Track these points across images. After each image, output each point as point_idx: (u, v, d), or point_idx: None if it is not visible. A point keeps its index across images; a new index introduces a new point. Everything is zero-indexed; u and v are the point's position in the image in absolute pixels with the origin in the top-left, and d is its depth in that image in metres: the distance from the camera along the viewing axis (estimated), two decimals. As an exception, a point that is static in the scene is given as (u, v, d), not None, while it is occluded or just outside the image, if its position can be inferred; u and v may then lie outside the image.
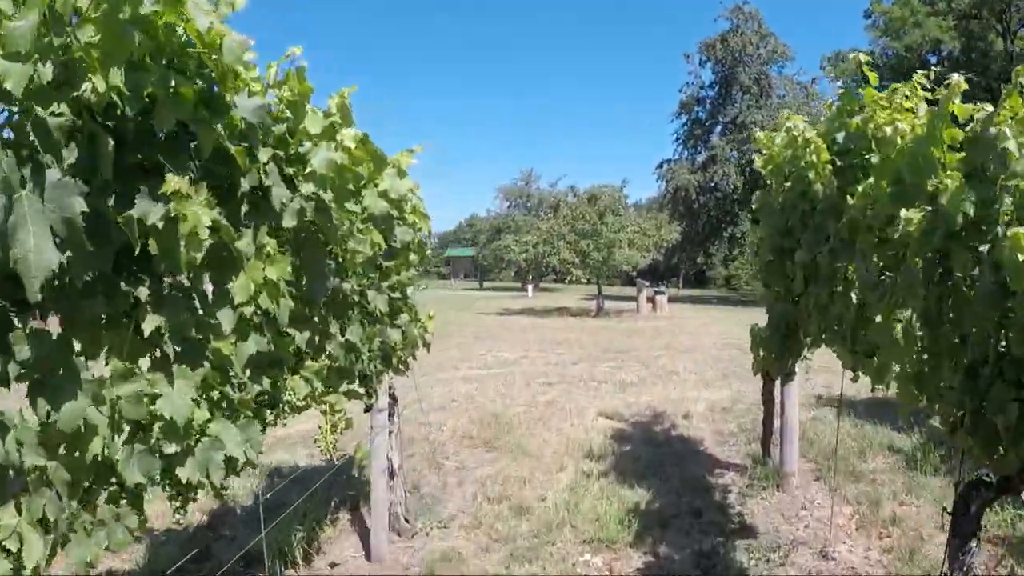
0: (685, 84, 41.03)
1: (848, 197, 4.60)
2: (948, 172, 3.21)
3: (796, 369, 6.22)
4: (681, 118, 41.66)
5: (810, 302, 5.16)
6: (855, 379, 4.65)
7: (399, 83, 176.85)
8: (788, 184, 5.36)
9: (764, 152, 5.81)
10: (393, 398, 5.73)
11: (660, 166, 41.40)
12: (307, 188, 3.00)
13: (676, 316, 27.43)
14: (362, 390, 4.51)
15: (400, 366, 5.40)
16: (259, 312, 2.97)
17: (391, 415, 5.64)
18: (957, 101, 3.41)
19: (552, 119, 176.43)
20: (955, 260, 3.11)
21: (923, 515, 5.96)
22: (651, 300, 28.84)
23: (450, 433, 8.68)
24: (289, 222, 2.95)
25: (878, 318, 4.04)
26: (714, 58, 38.92)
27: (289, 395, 3.50)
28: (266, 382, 3.26)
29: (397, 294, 4.82)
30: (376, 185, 3.94)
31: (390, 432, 5.58)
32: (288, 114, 3.04)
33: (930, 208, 3.33)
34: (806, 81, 40.06)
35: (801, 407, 7.76)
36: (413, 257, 4.98)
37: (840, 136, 4.71)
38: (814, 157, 4.70)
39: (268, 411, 3.38)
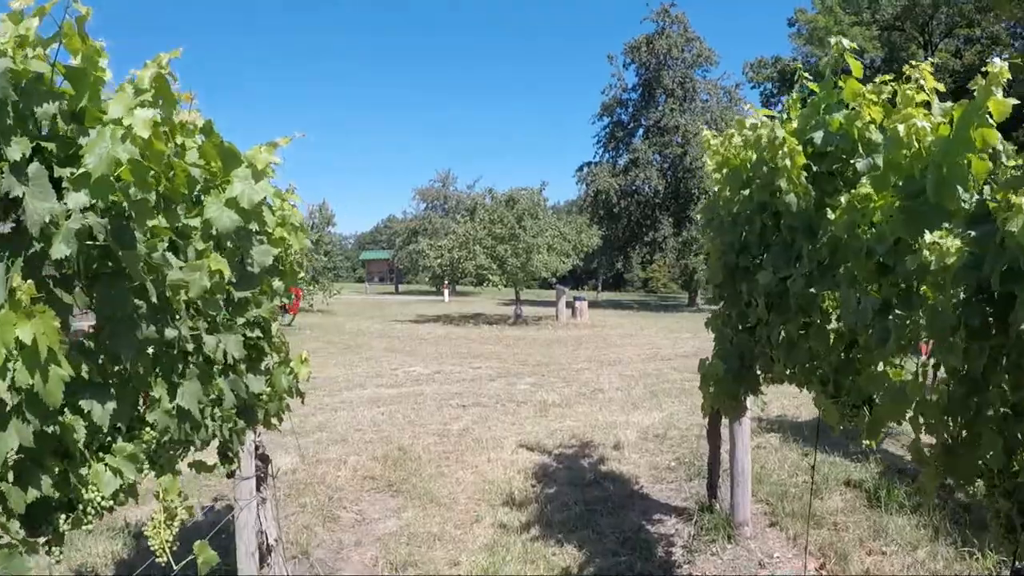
0: (608, 86, 40.38)
1: (827, 211, 3.74)
2: (1004, 190, 2.31)
3: (748, 405, 5.35)
4: (603, 120, 41.02)
5: (773, 333, 4.27)
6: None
7: (310, 71, 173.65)
8: (746, 192, 4.47)
9: (714, 155, 4.92)
10: (263, 459, 4.62)
11: (580, 169, 40.66)
12: (76, 199, 1.99)
13: (597, 323, 26.66)
14: (212, 461, 3.46)
15: (272, 420, 4.29)
16: (16, 389, 1.95)
17: (261, 481, 4.53)
18: (999, 94, 2.54)
19: (470, 119, 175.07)
20: (1022, 308, 2.20)
21: (895, 565, 5.15)
22: (571, 306, 28.04)
23: (350, 473, 7.59)
24: (61, 250, 1.94)
25: (880, 365, 3.15)
26: (638, 60, 38.30)
27: (92, 491, 2.44)
28: (46, 483, 2.23)
29: (257, 332, 3.72)
30: (222, 191, 2.92)
31: (263, 500, 4.49)
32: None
33: (973, 233, 2.44)
34: (730, 86, 39.79)
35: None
36: (279, 284, 3.96)
37: (818, 136, 3.80)
38: (787, 161, 3.79)
39: (61, 518, 2.36)
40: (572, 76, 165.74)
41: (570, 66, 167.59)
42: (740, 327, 4.85)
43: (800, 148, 3.81)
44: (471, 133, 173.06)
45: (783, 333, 4.17)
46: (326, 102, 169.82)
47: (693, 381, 13.02)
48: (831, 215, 3.68)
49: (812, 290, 3.82)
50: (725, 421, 6.02)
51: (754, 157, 4.18)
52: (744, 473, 5.82)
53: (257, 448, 4.47)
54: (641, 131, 39.24)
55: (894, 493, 6.34)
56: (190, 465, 3.26)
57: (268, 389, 3.96)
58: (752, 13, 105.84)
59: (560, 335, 22.32)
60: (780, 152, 3.83)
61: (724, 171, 4.65)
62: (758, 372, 4.80)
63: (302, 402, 4.76)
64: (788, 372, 4.30)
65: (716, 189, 4.90)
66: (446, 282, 28.86)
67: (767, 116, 4.27)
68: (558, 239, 26.53)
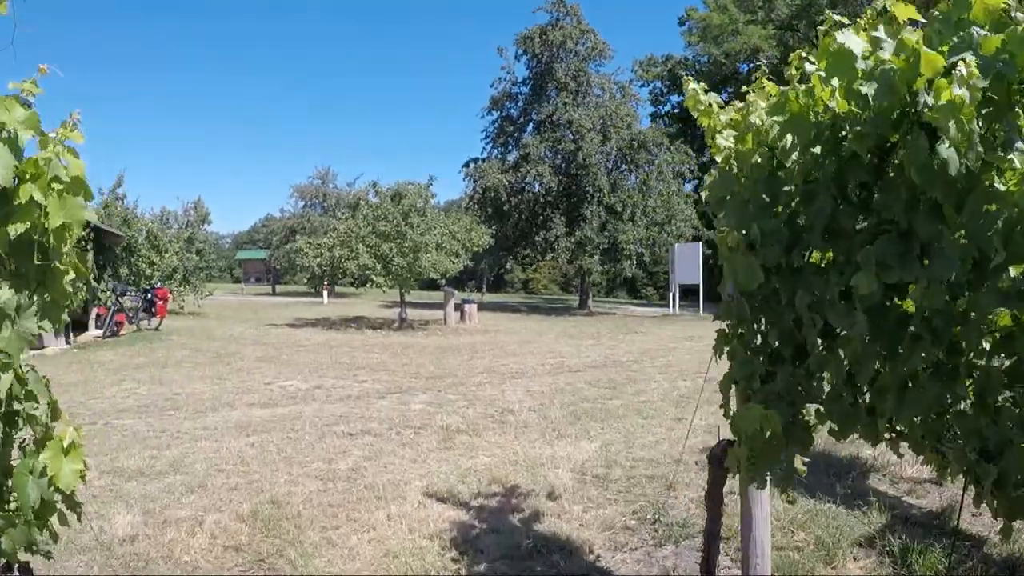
0: (497, 79, 38.59)
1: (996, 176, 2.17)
2: None
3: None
4: (492, 115, 39.26)
5: (865, 369, 2.65)
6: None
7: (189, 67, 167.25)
8: (816, 151, 2.81)
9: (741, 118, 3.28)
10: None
11: (467, 165, 38.78)
12: None
13: (489, 328, 25.01)
14: None
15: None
16: None
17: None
18: None
19: (350, 116, 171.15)
20: None
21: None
22: (459, 309, 26.34)
23: (207, 541, 5.63)
24: None
25: None
26: (531, 51, 36.61)
27: None
28: None
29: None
30: None
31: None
32: None
33: None
34: (624, 81, 38.54)
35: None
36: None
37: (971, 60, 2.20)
38: (960, 92, 2.17)
39: None
40: (456, 69, 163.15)
41: (455, 58, 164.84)
42: (783, 357, 3.22)
43: (975, 69, 2.17)
44: (350, 132, 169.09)
45: (892, 372, 2.57)
46: (200, 92, 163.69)
47: (615, 399, 11.52)
48: (999, 184, 2.13)
49: (984, 308, 2.21)
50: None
51: (865, 90, 2.46)
52: (762, 552, 4.17)
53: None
54: (531, 126, 37.67)
55: (927, 554, 4.87)
56: None
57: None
58: (642, 8, 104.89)
59: (452, 342, 20.57)
60: (931, 76, 2.20)
61: (776, 122, 2.95)
62: (811, 422, 3.19)
63: (79, 519, 2.79)
64: (897, 429, 2.72)
65: (725, 162, 3.31)
66: (326, 283, 26.64)
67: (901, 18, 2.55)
68: (447, 237, 24.67)
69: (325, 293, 35.90)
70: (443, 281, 26.22)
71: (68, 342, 19.76)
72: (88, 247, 19.99)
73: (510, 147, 38.12)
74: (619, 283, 56.22)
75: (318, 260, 24.77)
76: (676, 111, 55.72)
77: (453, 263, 24.54)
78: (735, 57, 48.62)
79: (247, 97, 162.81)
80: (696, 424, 7.98)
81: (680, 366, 15.56)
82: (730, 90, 54.18)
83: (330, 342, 20.32)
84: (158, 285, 25.10)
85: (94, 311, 22.48)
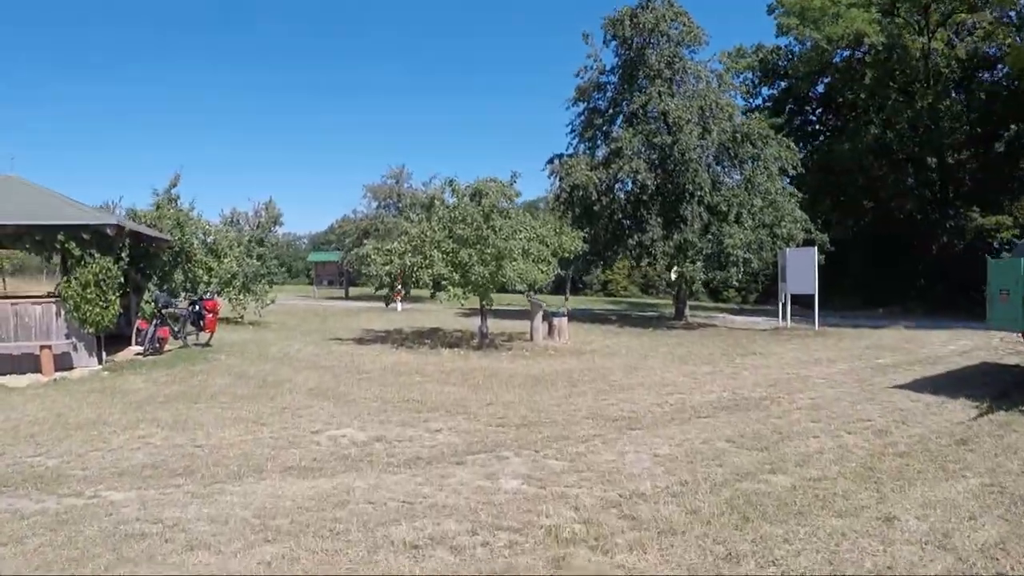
0: (583, 68, 35.10)
1: None
2: None
3: None
4: (578, 106, 35.82)
5: None
6: None
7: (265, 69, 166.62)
8: None
9: None
10: None
11: (551, 161, 35.44)
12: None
13: (582, 346, 21.72)
14: None
15: None
16: None
17: None
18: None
19: (423, 110, 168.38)
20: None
21: None
22: (547, 321, 23.19)
23: None
24: None
25: None
26: (620, 37, 33.11)
27: None
28: None
29: None
30: None
31: None
32: None
33: None
34: (720, 69, 34.77)
35: None
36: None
37: None
38: None
39: None
40: (534, 58, 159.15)
41: (532, 46, 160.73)
42: None
43: None
44: (423, 128, 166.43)
45: None
46: (278, 94, 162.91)
47: (777, 472, 8.37)
48: None
49: None
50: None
51: None
52: None
53: None
54: (621, 118, 34.18)
55: None
56: None
57: None
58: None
59: (542, 367, 17.34)
60: None
61: None
62: None
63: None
64: None
65: None
66: (397, 295, 23.50)
67: None
68: (535, 243, 21.36)
69: (399, 301, 32.98)
70: (531, 293, 22.90)
71: (101, 361, 17.18)
72: (122, 254, 17.31)
73: (598, 141, 34.62)
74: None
75: (387, 268, 21.60)
76: (769, 105, 51.84)
77: (543, 273, 21.13)
78: (836, 43, 44.60)
79: (326, 92, 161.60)
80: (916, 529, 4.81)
81: (830, 408, 12.20)
82: (827, 80, 50.22)
83: (399, 366, 17.31)
84: (207, 296, 22.43)
85: (137, 324, 19.93)
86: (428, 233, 21.29)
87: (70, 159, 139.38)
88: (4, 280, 44.84)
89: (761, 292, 52.04)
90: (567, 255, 23.03)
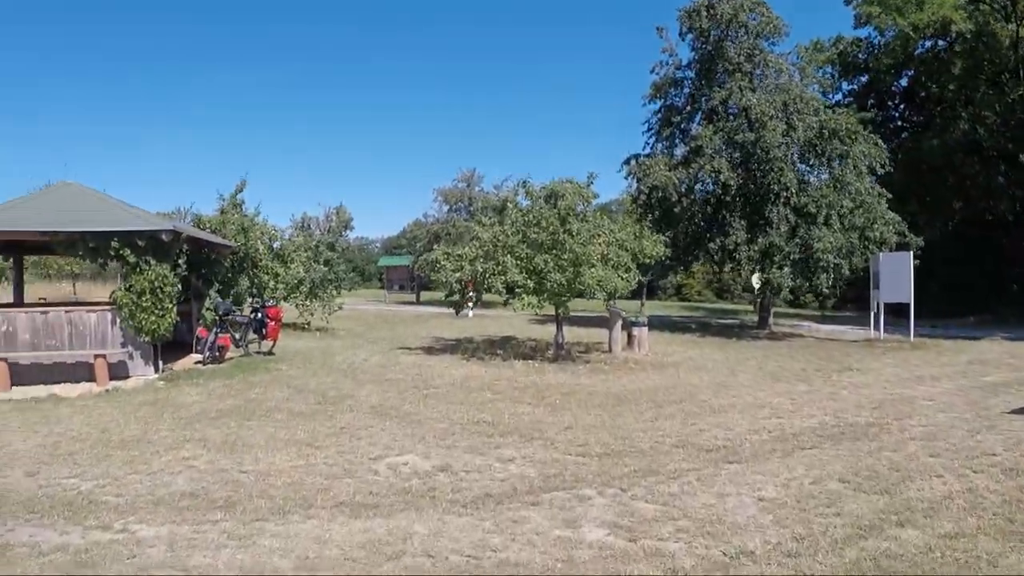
0: (658, 63, 33.62)
1: None
2: None
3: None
4: (654, 104, 34.33)
5: None
6: None
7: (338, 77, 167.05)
8: None
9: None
10: None
11: (627, 162, 33.92)
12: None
13: (664, 358, 20.32)
14: None
15: None
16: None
17: None
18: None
19: (490, 109, 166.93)
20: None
21: None
22: (626, 331, 21.91)
23: None
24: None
25: None
26: (697, 29, 31.53)
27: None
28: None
29: None
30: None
31: None
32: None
33: None
34: (801, 63, 33.03)
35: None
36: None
37: None
38: None
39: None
40: (603, 53, 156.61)
41: (602, 42, 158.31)
42: None
43: None
44: (491, 129, 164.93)
45: None
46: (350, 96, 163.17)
47: (906, 524, 7.29)
48: None
49: None
50: None
51: None
52: None
53: None
54: (699, 115, 32.62)
55: None
56: None
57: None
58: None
59: (624, 384, 15.96)
60: None
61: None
62: None
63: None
64: None
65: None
66: (468, 302, 22.28)
67: None
68: (614, 248, 20.07)
69: (470, 308, 31.92)
70: (612, 302, 21.51)
71: (158, 370, 16.43)
72: (179, 261, 16.54)
73: (676, 140, 33.09)
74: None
75: (458, 275, 20.44)
76: (849, 101, 49.57)
77: (623, 280, 19.83)
78: (921, 32, 42.34)
79: (397, 94, 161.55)
80: None
81: (947, 438, 10.68)
82: (910, 73, 47.90)
83: (469, 381, 16.16)
84: (271, 303, 21.60)
85: (197, 332, 19.18)
86: (501, 238, 20.12)
87: (147, 166, 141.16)
88: (74, 285, 45.08)
89: (838, 298, 49.77)
90: (648, 260, 21.64)
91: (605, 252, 19.49)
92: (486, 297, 23.06)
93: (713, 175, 29.47)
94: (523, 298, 19.07)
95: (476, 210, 49.25)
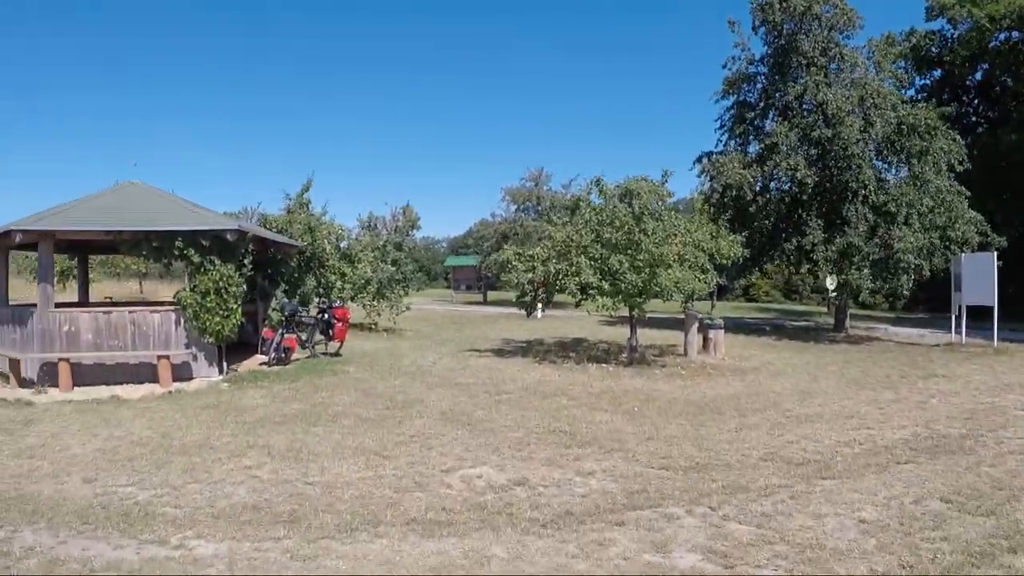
0: (730, 58, 32.55)
1: None
2: None
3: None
4: (727, 100, 33.30)
5: None
6: None
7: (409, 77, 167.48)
8: None
9: None
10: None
11: (700, 160, 33.00)
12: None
13: (742, 363, 19.46)
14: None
15: None
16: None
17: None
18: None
19: (563, 110, 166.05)
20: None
21: None
22: (702, 333, 21.12)
23: None
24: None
25: None
26: (770, 22, 30.46)
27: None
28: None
29: None
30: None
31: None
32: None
33: None
34: (877, 56, 31.65)
35: None
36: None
37: None
38: None
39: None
40: (672, 48, 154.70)
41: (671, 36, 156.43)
42: None
43: None
44: (559, 128, 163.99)
45: None
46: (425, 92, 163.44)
47: None
48: None
49: None
50: None
51: None
52: None
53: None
54: (773, 112, 31.50)
55: None
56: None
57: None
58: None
59: (703, 391, 15.19)
60: None
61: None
62: None
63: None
64: None
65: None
66: (541, 297, 21.52)
67: None
68: (690, 248, 19.31)
69: (539, 309, 31.30)
70: (689, 304, 20.61)
71: (222, 372, 16.13)
72: (245, 261, 16.21)
73: (750, 137, 32.04)
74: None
75: (530, 276, 19.77)
76: (923, 96, 47.77)
77: (701, 281, 19.05)
78: (998, 23, 40.68)
79: (466, 94, 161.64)
80: None
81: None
82: (985, 66, 46.03)
83: (542, 385, 15.53)
84: (337, 303, 21.20)
85: (263, 332, 18.86)
86: (574, 237, 19.46)
87: (216, 166, 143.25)
88: (141, 283, 45.41)
89: (909, 299, 47.95)
90: (724, 261, 20.78)
91: (681, 252, 18.71)
92: (555, 298, 22.41)
93: (789, 173, 28.44)
94: (597, 299, 18.40)
95: (545, 209, 48.64)
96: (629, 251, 18.31)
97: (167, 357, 15.13)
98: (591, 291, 18.54)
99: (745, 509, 7.49)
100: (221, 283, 15.40)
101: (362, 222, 50.47)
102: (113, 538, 6.72)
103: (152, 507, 7.55)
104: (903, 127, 28.11)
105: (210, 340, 15.64)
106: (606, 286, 18.30)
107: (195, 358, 15.78)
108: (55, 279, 18.19)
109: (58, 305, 16.49)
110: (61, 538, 6.73)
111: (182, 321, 15.59)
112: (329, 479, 8.53)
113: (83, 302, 21.04)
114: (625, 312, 19.78)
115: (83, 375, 14.95)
